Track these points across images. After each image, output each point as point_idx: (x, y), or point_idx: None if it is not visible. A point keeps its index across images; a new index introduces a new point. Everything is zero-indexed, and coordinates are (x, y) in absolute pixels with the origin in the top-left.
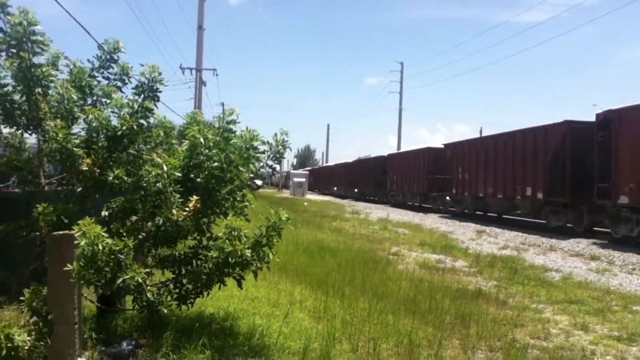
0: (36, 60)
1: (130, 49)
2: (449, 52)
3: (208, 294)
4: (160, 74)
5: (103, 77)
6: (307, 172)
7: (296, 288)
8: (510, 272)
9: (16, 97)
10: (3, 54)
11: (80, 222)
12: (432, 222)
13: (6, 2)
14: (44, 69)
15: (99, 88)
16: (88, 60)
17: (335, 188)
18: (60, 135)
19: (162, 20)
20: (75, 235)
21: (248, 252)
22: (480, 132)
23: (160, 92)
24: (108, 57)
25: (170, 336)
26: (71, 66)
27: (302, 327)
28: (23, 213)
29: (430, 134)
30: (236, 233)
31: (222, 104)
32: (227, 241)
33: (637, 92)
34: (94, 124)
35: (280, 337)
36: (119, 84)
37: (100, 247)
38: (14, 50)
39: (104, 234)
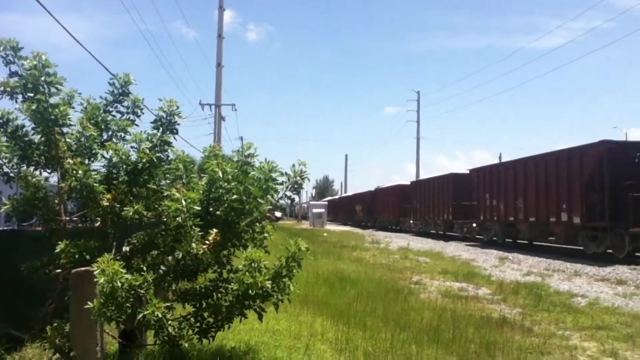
0: (52, 100)
1: (151, 87)
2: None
3: (229, 327)
4: (177, 107)
5: (117, 112)
6: (326, 202)
7: (317, 319)
8: (535, 298)
9: (35, 137)
10: (19, 97)
11: (99, 259)
12: (454, 249)
13: (17, 45)
14: (61, 109)
15: (113, 123)
16: (100, 97)
17: (356, 218)
18: (80, 172)
19: (181, 59)
20: (94, 272)
21: (268, 284)
22: (500, 157)
23: (178, 124)
24: (120, 91)
25: None
26: (85, 104)
27: (324, 359)
28: (45, 250)
29: (449, 161)
30: (256, 265)
31: (241, 138)
32: (247, 273)
33: None
34: (114, 159)
35: None
36: (132, 117)
37: (119, 284)
38: (31, 94)
39: (122, 270)
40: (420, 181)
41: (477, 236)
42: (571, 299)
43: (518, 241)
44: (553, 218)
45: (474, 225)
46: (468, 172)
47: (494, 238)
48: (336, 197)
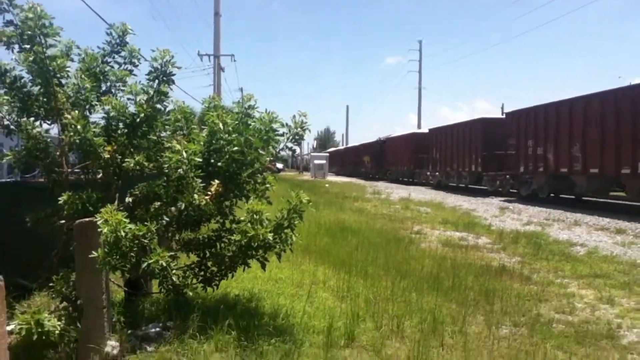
0: (49, 52)
1: (149, 39)
2: (467, 30)
3: (232, 276)
4: (172, 57)
5: (115, 62)
6: (328, 154)
7: (319, 268)
8: (534, 247)
9: (33, 89)
10: (16, 47)
11: (102, 209)
12: (455, 200)
13: None
14: (59, 61)
15: (112, 73)
16: (98, 47)
17: (363, 170)
18: (79, 126)
19: (178, 10)
20: (98, 222)
21: (270, 236)
22: (502, 108)
23: (174, 75)
24: (118, 41)
25: (196, 318)
26: (82, 55)
27: (326, 306)
28: (49, 201)
29: (451, 112)
30: (258, 217)
31: (241, 89)
32: (249, 224)
33: None
34: (112, 114)
35: (304, 316)
36: (130, 67)
37: (123, 233)
38: (27, 46)
39: (125, 220)
40: (440, 128)
41: (512, 190)
42: (570, 247)
43: (563, 196)
44: (626, 169)
45: (508, 177)
46: (501, 116)
47: (537, 193)
48: (341, 147)
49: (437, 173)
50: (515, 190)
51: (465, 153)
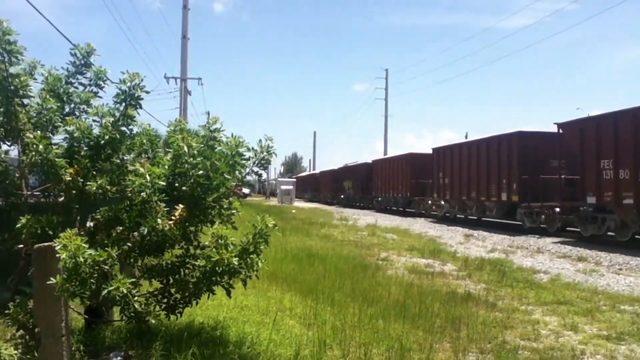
0: (12, 70)
1: (115, 60)
2: (434, 59)
3: (197, 303)
4: (141, 80)
5: (80, 84)
6: (295, 179)
7: (286, 295)
8: (499, 274)
9: None
10: None
11: (61, 234)
12: (420, 227)
13: None
14: (22, 79)
15: (76, 95)
16: (62, 68)
17: (343, 196)
18: (41, 146)
19: (146, 31)
20: (56, 247)
21: (235, 261)
22: (466, 137)
23: (141, 99)
24: (83, 62)
25: (159, 346)
26: (46, 74)
27: (293, 334)
28: (5, 225)
29: (416, 139)
30: (223, 241)
31: (208, 113)
32: (214, 249)
33: (619, 96)
34: (75, 134)
35: (270, 344)
36: (95, 89)
37: (82, 259)
38: None
39: (85, 245)
40: (454, 146)
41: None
42: (534, 275)
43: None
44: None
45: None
46: (558, 124)
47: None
48: (315, 171)
49: (444, 202)
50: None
51: (495, 176)
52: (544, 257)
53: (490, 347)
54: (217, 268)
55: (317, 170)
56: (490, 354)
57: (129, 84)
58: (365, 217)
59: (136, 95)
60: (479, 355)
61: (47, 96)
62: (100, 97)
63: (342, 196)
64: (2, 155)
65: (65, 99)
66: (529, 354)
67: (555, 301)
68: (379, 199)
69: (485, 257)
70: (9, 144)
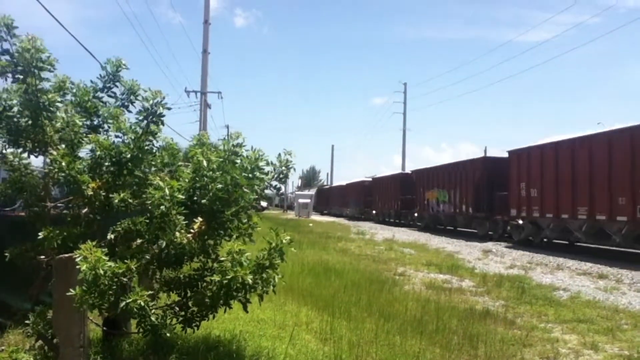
0: (42, 85)
1: (136, 73)
2: (454, 72)
3: (214, 317)
4: (163, 98)
5: (109, 96)
6: (314, 193)
7: (302, 309)
8: (518, 291)
9: (22, 120)
10: (9, 76)
11: (82, 246)
12: (438, 242)
13: (12, 23)
14: (49, 96)
15: (105, 109)
16: (91, 82)
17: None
18: (64, 162)
19: (167, 45)
20: (77, 259)
21: (250, 278)
22: (485, 151)
23: (164, 116)
24: (111, 76)
25: (175, 359)
26: (74, 89)
27: (309, 349)
28: (29, 236)
29: (435, 153)
30: (238, 257)
31: (227, 126)
32: (229, 264)
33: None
34: (98, 152)
35: (286, 359)
36: (126, 103)
37: (102, 271)
38: (21, 76)
39: (105, 257)
40: (547, 146)
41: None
42: (553, 292)
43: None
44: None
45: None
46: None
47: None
48: (342, 183)
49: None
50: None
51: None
52: (564, 274)
53: None
54: (232, 284)
55: (343, 182)
56: None
57: (151, 101)
58: (383, 232)
59: (158, 112)
60: None
61: (73, 110)
62: (130, 111)
63: (386, 211)
64: (28, 167)
65: (92, 112)
66: None
67: (575, 319)
68: (426, 216)
69: (504, 274)
70: (36, 155)
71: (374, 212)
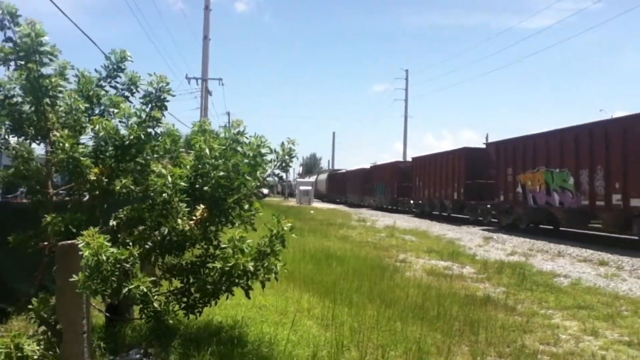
0: (44, 71)
1: (137, 59)
2: (455, 59)
3: (216, 304)
4: (167, 83)
5: (111, 87)
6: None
7: (304, 296)
8: (519, 278)
9: (25, 107)
10: (12, 64)
11: (84, 232)
12: (439, 229)
13: (15, 12)
14: (52, 80)
15: (106, 98)
16: (95, 70)
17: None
18: (67, 145)
19: (167, 31)
20: (79, 245)
21: (251, 265)
22: (487, 138)
23: (167, 101)
24: (115, 66)
25: (178, 345)
26: (79, 76)
27: (310, 334)
28: (32, 223)
29: (436, 140)
30: (239, 244)
31: (228, 113)
32: (230, 251)
33: None
34: (101, 134)
35: (288, 344)
36: (127, 93)
37: (104, 257)
38: (22, 62)
39: (107, 243)
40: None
41: None
42: (554, 278)
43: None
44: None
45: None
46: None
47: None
48: (365, 166)
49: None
50: None
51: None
52: (565, 260)
53: (509, 351)
54: (233, 271)
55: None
56: (509, 358)
57: (156, 86)
58: (383, 219)
59: (162, 97)
60: (497, 359)
61: (76, 97)
62: (130, 101)
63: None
64: (32, 154)
65: (95, 101)
66: (548, 358)
67: (575, 305)
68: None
69: (505, 260)
70: (38, 142)
71: (412, 201)
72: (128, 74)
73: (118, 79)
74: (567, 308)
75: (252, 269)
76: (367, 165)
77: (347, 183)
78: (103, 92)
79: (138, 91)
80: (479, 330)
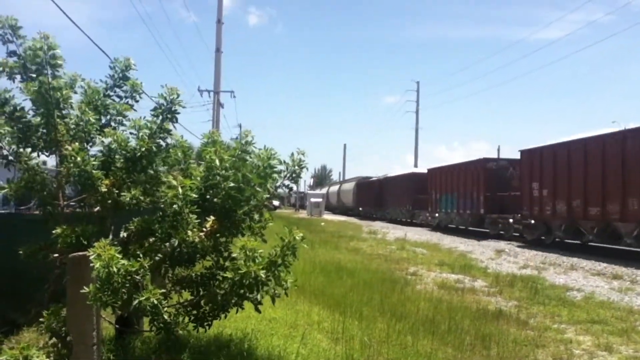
0: (55, 83)
1: (150, 72)
2: (466, 71)
3: (225, 317)
4: (178, 95)
5: (116, 96)
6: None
7: (314, 309)
8: (531, 291)
9: (34, 120)
10: (18, 77)
11: (95, 243)
12: (450, 241)
13: (16, 24)
14: (63, 92)
15: (112, 107)
16: (101, 80)
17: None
18: (79, 158)
19: (180, 44)
20: (90, 257)
21: (262, 273)
22: (498, 150)
23: (178, 113)
24: (121, 75)
25: (187, 358)
26: (85, 87)
27: (320, 348)
28: (43, 234)
29: (448, 152)
30: (250, 254)
31: (240, 126)
32: (242, 261)
33: None
34: (112, 146)
35: (298, 358)
36: (131, 101)
37: (115, 269)
38: (33, 75)
39: (118, 255)
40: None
41: None
42: (567, 292)
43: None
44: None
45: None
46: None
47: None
48: (417, 170)
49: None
50: None
51: None
52: (578, 274)
53: None
54: (244, 280)
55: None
56: None
57: (167, 97)
58: (394, 231)
59: (173, 109)
60: None
61: (86, 108)
62: (135, 109)
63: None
64: (41, 165)
65: (102, 110)
66: None
67: (589, 320)
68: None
69: (517, 274)
70: (47, 154)
71: (510, 221)
72: (130, 82)
73: (123, 88)
74: (581, 322)
75: (263, 277)
76: (422, 169)
77: (385, 194)
78: (109, 102)
79: (141, 98)
80: (490, 344)
